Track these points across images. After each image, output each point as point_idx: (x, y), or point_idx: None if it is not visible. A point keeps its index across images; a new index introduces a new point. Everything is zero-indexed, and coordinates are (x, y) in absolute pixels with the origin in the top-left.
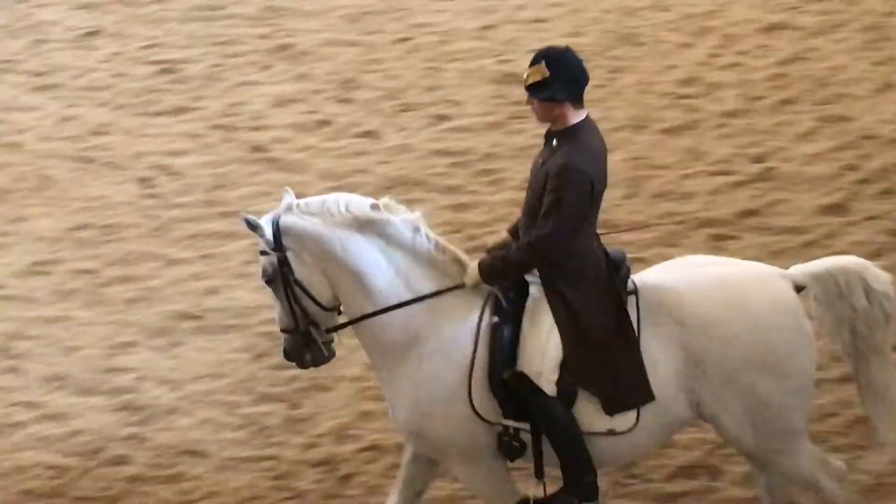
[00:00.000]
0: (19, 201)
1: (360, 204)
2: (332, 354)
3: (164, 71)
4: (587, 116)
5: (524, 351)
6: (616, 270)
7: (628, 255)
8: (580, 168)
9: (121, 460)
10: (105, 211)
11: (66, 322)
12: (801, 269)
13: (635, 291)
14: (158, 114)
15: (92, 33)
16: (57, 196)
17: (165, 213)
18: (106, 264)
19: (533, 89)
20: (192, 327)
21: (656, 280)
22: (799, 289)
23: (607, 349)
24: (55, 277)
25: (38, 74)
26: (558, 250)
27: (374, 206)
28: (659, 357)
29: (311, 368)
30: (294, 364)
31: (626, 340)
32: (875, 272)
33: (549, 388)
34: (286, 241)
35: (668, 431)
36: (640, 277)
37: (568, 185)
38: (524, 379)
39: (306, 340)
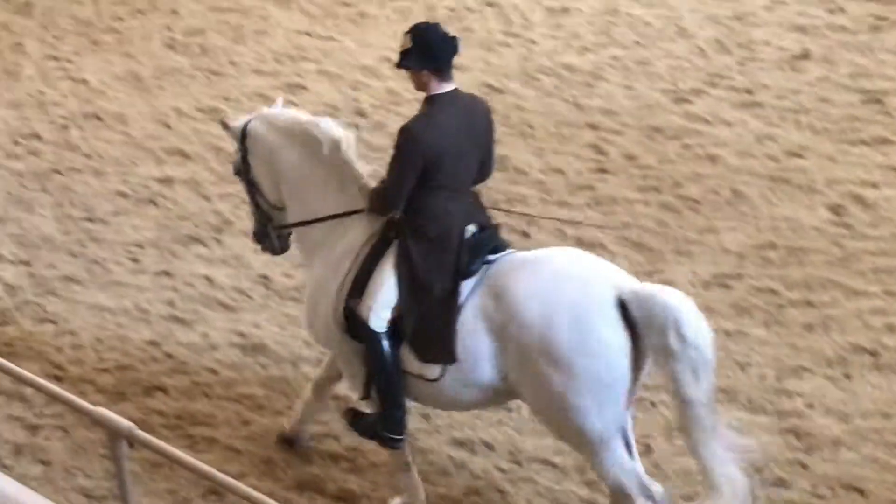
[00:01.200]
0: (710, 213)
1: (304, 120)
2: (284, 248)
3: (869, 100)
4: (455, 90)
5: (368, 286)
6: (479, 240)
7: None
8: (415, 134)
9: (780, 483)
10: (793, 233)
11: (741, 337)
12: (632, 286)
13: (492, 262)
14: (858, 143)
15: (802, 56)
16: (747, 212)
17: (854, 243)
18: (788, 286)
19: (399, 57)
20: (867, 362)
21: (516, 256)
22: (623, 303)
23: (431, 305)
24: (736, 292)
25: (744, 91)
26: (391, 203)
27: (311, 123)
28: (474, 324)
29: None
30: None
31: (448, 303)
32: (690, 318)
33: (377, 323)
34: (248, 143)
35: (480, 392)
36: (516, 253)
37: (399, 146)
38: (356, 309)
39: (264, 232)
